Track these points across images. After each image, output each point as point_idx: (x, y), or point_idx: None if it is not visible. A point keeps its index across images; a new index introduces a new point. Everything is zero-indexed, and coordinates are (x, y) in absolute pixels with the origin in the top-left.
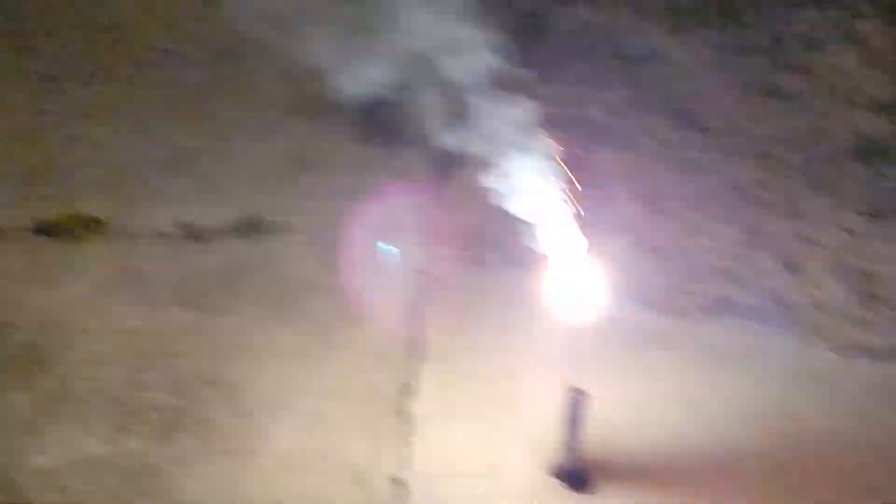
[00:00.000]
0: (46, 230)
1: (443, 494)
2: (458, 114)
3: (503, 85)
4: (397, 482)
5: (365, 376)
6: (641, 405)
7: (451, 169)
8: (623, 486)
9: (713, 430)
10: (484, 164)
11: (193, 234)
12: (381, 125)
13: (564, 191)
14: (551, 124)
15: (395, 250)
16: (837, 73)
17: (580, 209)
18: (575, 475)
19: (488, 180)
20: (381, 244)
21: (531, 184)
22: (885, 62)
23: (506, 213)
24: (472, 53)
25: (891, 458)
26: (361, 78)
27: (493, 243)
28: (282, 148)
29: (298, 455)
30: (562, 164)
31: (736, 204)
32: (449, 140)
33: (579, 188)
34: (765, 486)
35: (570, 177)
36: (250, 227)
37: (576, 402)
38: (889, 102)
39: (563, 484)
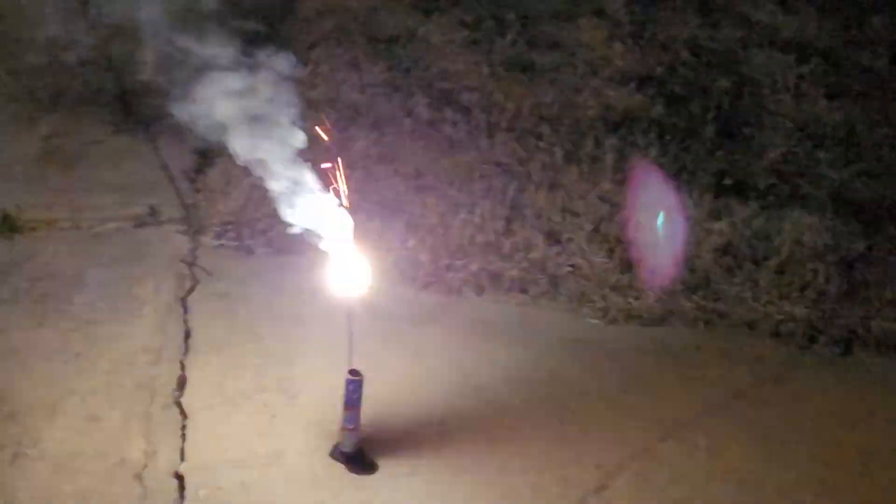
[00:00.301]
0: None
1: (223, 485)
2: (213, 100)
3: (255, 69)
4: (176, 476)
5: (136, 371)
6: (416, 382)
7: (211, 157)
8: (404, 462)
9: (489, 402)
10: (244, 151)
11: None
12: (140, 115)
13: (326, 174)
14: (309, 107)
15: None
16: (585, 47)
17: (343, 191)
18: (355, 457)
19: (249, 167)
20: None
21: (292, 169)
22: (629, 35)
23: (269, 200)
24: (220, 36)
25: (655, 414)
26: (108, 66)
27: (258, 230)
28: (36, 142)
29: (73, 456)
30: (322, 147)
31: (497, 179)
32: (206, 128)
33: (341, 170)
34: (542, 449)
35: (331, 159)
36: (6, 226)
37: (352, 384)
38: (634, 73)
39: (344, 466)
